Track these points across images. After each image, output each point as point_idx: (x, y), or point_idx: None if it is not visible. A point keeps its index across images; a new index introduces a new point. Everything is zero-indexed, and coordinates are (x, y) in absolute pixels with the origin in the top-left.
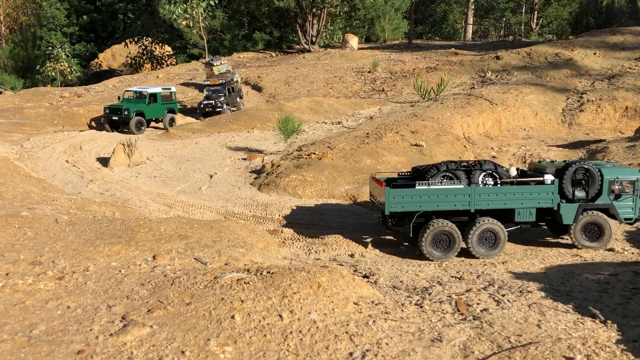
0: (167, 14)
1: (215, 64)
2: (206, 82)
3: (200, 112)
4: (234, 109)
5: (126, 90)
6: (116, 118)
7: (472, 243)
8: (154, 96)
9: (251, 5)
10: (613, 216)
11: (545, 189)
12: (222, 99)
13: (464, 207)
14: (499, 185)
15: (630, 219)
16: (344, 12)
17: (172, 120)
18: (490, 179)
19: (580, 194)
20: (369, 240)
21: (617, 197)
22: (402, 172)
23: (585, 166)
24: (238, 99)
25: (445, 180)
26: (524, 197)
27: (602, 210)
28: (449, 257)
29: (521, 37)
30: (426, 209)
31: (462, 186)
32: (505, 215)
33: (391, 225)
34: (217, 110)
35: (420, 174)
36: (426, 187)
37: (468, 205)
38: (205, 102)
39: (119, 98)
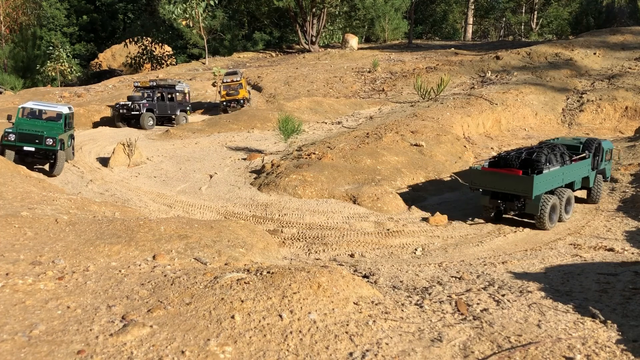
0: (167, 14)
1: (225, 81)
2: (136, 83)
3: (114, 112)
4: (173, 121)
5: (22, 107)
6: (31, 149)
7: (563, 209)
8: (68, 118)
9: (251, 5)
10: (603, 176)
11: (588, 162)
12: (144, 102)
13: (565, 182)
14: (572, 162)
15: (607, 178)
16: (343, 12)
17: (73, 149)
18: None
19: (594, 163)
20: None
21: (606, 162)
22: (489, 159)
23: (599, 141)
24: (178, 112)
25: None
26: (581, 170)
27: (600, 172)
28: (555, 224)
29: (521, 37)
30: (553, 187)
31: (570, 165)
32: (569, 185)
33: (518, 209)
34: (133, 114)
35: (524, 156)
36: (554, 169)
37: (562, 181)
38: (121, 103)
39: (9, 118)
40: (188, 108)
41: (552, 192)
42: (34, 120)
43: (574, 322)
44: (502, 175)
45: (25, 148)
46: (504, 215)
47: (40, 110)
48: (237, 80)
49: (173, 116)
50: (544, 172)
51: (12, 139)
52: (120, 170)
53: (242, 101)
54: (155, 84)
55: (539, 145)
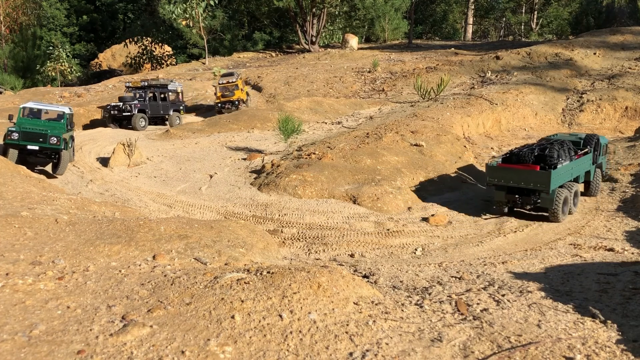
0: (167, 14)
1: (221, 82)
2: (127, 84)
3: (104, 114)
4: (166, 121)
5: (23, 107)
6: (35, 148)
7: (572, 202)
8: (69, 119)
9: (251, 5)
10: (600, 169)
11: (590, 156)
12: (136, 102)
13: (574, 176)
14: (577, 157)
15: (604, 171)
16: (343, 12)
17: (73, 150)
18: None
19: (594, 157)
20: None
21: (603, 157)
22: (503, 155)
23: (598, 137)
24: (171, 112)
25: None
26: (585, 164)
27: (598, 167)
28: (566, 217)
29: (521, 37)
30: (564, 181)
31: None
32: (575, 179)
33: (534, 203)
34: (125, 115)
35: (537, 152)
36: (566, 163)
37: (571, 175)
38: (112, 105)
39: (10, 117)
40: (181, 107)
41: (562, 186)
42: (36, 120)
43: (574, 322)
44: (519, 171)
45: (29, 147)
46: (514, 210)
47: (41, 110)
48: (233, 82)
49: (166, 116)
50: (558, 166)
51: (16, 138)
52: (120, 170)
53: (236, 102)
54: (146, 84)
55: (548, 141)
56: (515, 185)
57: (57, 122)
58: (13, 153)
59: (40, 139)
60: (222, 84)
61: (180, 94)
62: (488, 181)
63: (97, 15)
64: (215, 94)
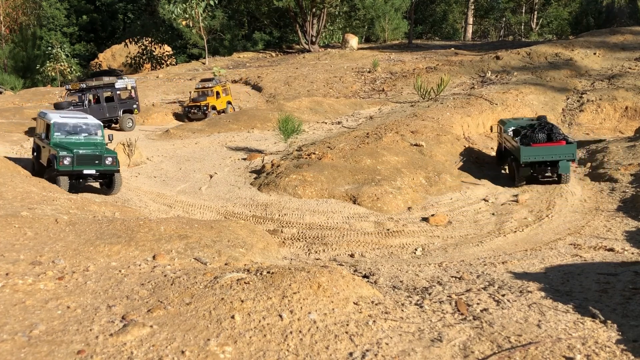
0: (167, 14)
1: (197, 87)
2: (67, 86)
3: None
4: (115, 124)
5: (55, 122)
6: (92, 172)
7: None
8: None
9: (251, 5)
10: None
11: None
12: (71, 108)
13: None
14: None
15: None
16: (343, 12)
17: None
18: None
19: None
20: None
21: None
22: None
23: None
24: (120, 113)
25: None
26: None
27: None
28: None
29: (521, 37)
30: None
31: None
32: None
33: (556, 172)
34: None
35: (547, 131)
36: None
37: None
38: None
39: (39, 136)
40: (134, 106)
41: None
42: (80, 138)
43: (574, 322)
44: (550, 147)
45: (86, 171)
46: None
47: (75, 124)
48: (209, 87)
49: (113, 119)
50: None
51: (69, 163)
52: (120, 170)
53: (204, 108)
54: (85, 85)
55: (539, 122)
56: (548, 159)
57: (96, 137)
58: (65, 181)
59: (96, 162)
60: (198, 88)
61: (132, 91)
62: (523, 160)
63: (97, 15)
64: (189, 97)
